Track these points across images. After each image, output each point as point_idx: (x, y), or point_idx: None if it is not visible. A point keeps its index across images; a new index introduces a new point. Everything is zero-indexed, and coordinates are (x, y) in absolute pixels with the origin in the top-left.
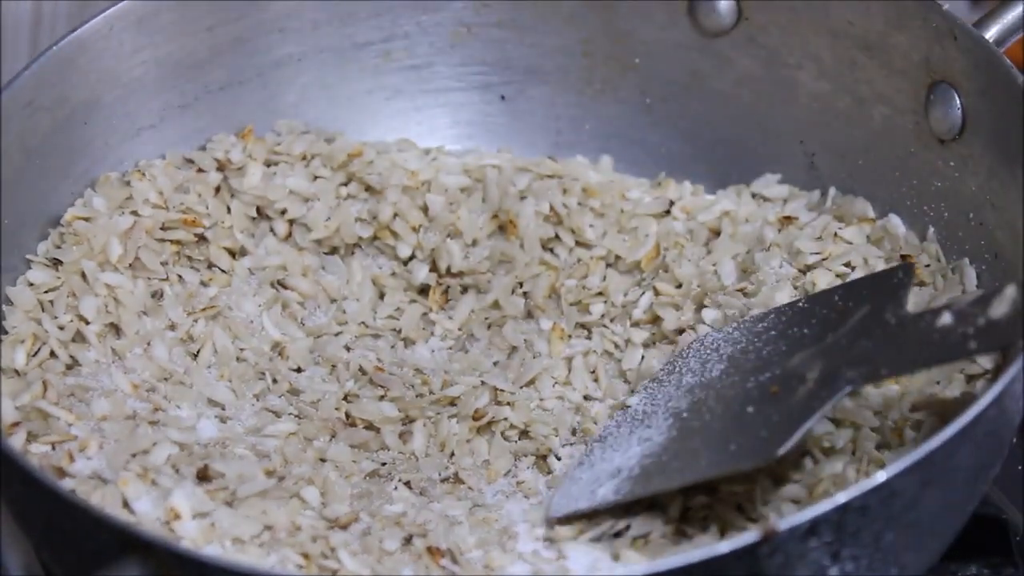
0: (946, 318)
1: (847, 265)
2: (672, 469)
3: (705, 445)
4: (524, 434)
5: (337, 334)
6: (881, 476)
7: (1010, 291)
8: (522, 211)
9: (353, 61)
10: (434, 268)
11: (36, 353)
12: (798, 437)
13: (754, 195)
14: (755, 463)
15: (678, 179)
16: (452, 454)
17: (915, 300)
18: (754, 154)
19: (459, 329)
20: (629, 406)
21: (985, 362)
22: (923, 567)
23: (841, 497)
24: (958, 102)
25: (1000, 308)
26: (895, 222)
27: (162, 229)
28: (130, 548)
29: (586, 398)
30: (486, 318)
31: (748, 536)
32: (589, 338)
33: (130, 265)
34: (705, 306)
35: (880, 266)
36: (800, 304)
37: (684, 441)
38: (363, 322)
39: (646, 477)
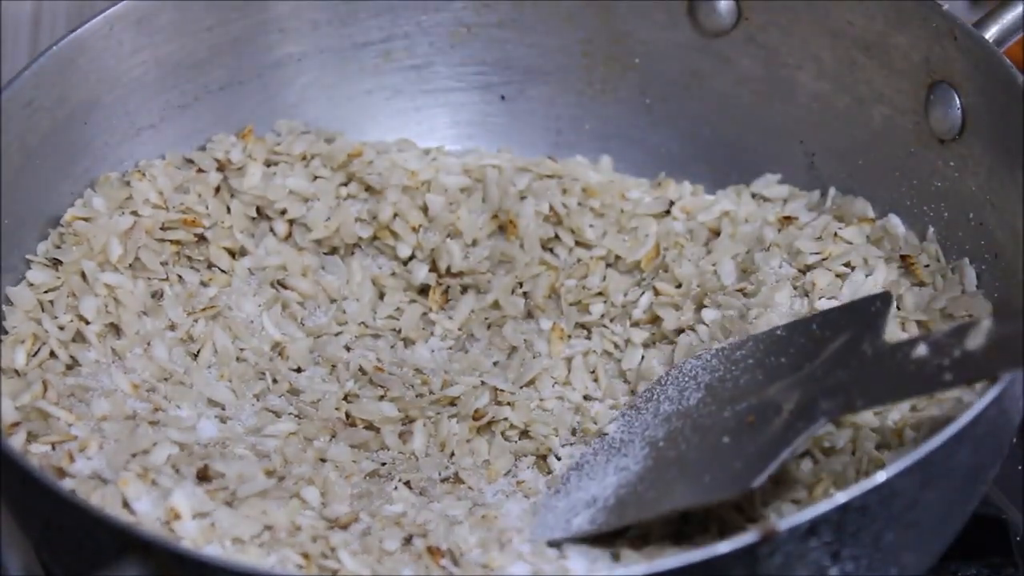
0: (921, 349)
1: (847, 265)
2: (647, 499)
3: (681, 475)
4: (524, 434)
5: (337, 334)
6: (881, 476)
7: (986, 323)
8: (522, 211)
9: (353, 61)
10: (434, 268)
11: (36, 353)
12: (773, 469)
13: (754, 195)
14: (729, 495)
15: (678, 179)
16: (452, 454)
17: (915, 300)
18: (754, 154)
19: (459, 329)
20: (607, 434)
21: None
22: (923, 567)
23: (841, 497)
24: (958, 102)
25: (976, 340)
26: (895, 222)
27: (162, 229)
28: (130, 548)
29: (586, 398)
30: (486, 318)
31: (748, 536)
32: (589, 338)
33: (130, 265)
34: (705, 306)
35: (880, 266)
36: (778, 332)
37: (660, 471)
38: (363, 322)
39: (621, 507)
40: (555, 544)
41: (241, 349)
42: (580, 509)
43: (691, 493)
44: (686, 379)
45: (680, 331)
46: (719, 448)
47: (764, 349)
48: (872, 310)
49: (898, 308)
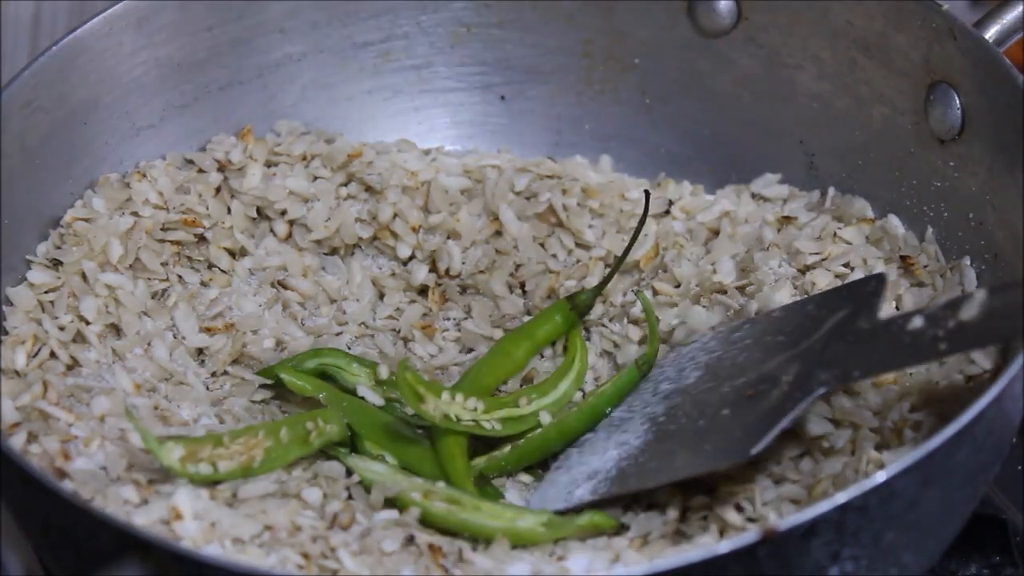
0: (917, 321)
1: (846, 265)
2: (648, 470)
3: (681, 447)
4: None
5: (337, 334)
6: (881, 476)
7: (980, 294)
8: (504, 216)
9: (353, 61)
10: (433, 268)
11: (36, 354)
12: (772, 437)
13: (753, 195)
14: (729, 463)
15: (678, 179)
16: None
17: (915, 300)
18: (754, 154)
19: (457, 328)
20: (607, 414)
21: (985, 362)
22: (923, 567)
23: (841, 497)
24: (958, 102)
25: (970, 311)
26: (894, 222)
27: (162, 230)
28: (130, 548)
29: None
30: (490, 315)
31: (748, 536)
32: (588, 338)
33: (130, 266)
34: (703, 306)
35: (879, 267)
36: (775, 314)
37: (660, 444)
38: (363, 322)
39: (622, 478)
40: (559, 515)
41: (244, 345)
42: (582, 481)
43: (692, 462)
44: (685, 360)
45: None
46: (719, 420)
47: (761, 329)
48: (867, 290)
49: (897, 308)
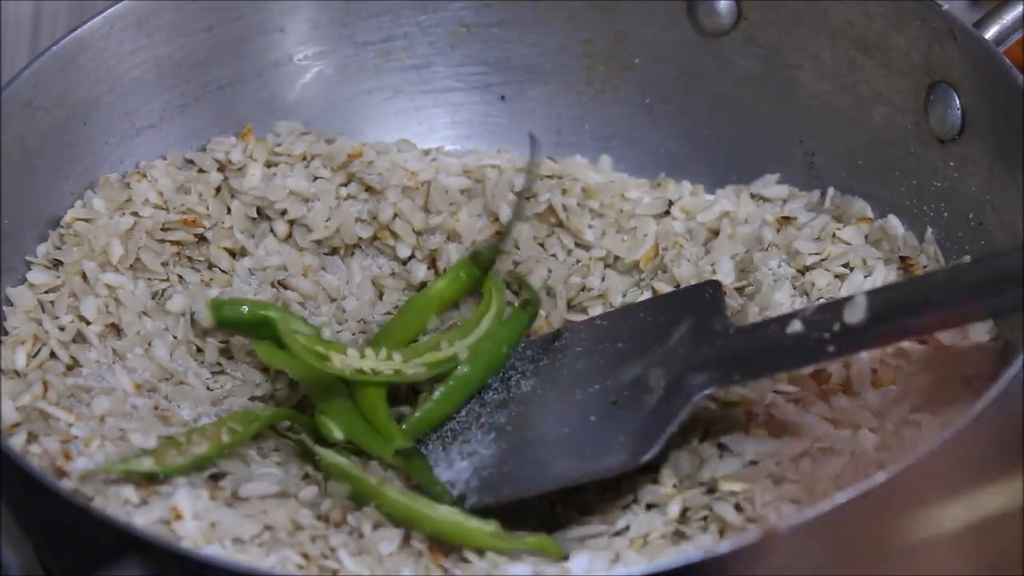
0: (796, 326)
1: (846, 266)
2: (522, 478)
3: (552, 454)
4: None
5: (337, 332)
6: (881, 476)
7: (860, 299)
8: (502, 214)
9: (353, 61)
10: (433, 267)
11: (36, 354)
12: (662, 443)
13: (753, 195)
14: (619, 468)
15: (678, 179)
16: None
17: None
18: (754, 154)
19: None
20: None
21: (985, 362)
22: None
23: (841, 497)
24: (958, 102)
25: (855, 315)
26: (894, 223)
27: (162, 230)
28: (130, 548)
29: None
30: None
31: (748, 536)
32: None
33: (131, 266)
34: None
35: (879, 267)
36: (597, 322)
37: (522, 452)
38: (362, 319)
39: (491, 487)
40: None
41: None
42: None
43: (576, 467)
44: (507, 371)
45: None
46: (590, 426)
47: (588, 337)
48: (707, 296)
49: None
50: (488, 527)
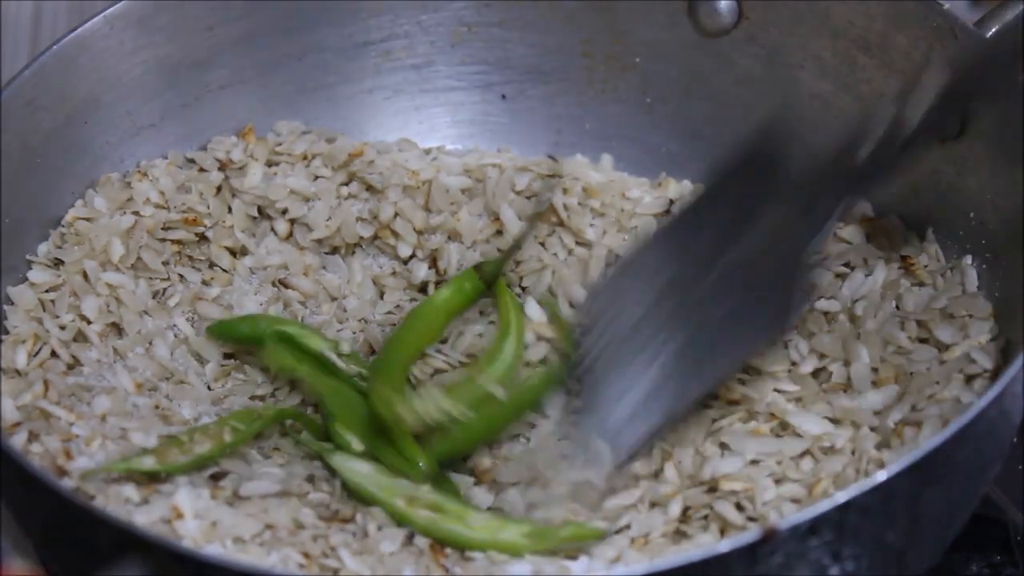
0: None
1: (846, 265)
2: (700, 375)
3: (715, 345)
4: None
5: (338, 331)
6: (881, 476)
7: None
8: (504, 214)
9: (354, 60)
10: (434, 266)
11: (37, 353)
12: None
13: None
14: (784, 330)
15: (678, 178)
16: None
17: (915, 300)
18: None
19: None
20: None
21: (985, 362)
22: (923, 567)
23: (841, 497)
24: None
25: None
26: (894, 222)
27: (163, 229)
28: (130, 548)
29: None
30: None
31: (748, 536)
32: None
33: (132, 265)
34: None
35: (879, 266)
36: (672, 221)
37: (684, 358)
38: (362, 318)
39: (676, 393)
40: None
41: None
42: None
43: (745, 347)
44: (615, 307)
45: None
46: (733, 312)
47: (680, 238)
48: (765, 152)
49: (898, 308)
50: (523, 529)
